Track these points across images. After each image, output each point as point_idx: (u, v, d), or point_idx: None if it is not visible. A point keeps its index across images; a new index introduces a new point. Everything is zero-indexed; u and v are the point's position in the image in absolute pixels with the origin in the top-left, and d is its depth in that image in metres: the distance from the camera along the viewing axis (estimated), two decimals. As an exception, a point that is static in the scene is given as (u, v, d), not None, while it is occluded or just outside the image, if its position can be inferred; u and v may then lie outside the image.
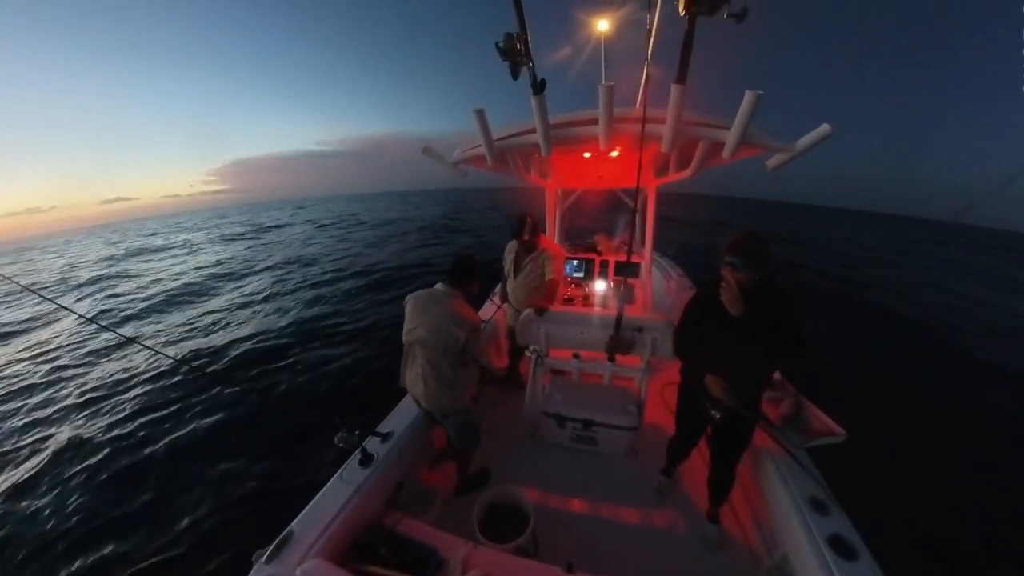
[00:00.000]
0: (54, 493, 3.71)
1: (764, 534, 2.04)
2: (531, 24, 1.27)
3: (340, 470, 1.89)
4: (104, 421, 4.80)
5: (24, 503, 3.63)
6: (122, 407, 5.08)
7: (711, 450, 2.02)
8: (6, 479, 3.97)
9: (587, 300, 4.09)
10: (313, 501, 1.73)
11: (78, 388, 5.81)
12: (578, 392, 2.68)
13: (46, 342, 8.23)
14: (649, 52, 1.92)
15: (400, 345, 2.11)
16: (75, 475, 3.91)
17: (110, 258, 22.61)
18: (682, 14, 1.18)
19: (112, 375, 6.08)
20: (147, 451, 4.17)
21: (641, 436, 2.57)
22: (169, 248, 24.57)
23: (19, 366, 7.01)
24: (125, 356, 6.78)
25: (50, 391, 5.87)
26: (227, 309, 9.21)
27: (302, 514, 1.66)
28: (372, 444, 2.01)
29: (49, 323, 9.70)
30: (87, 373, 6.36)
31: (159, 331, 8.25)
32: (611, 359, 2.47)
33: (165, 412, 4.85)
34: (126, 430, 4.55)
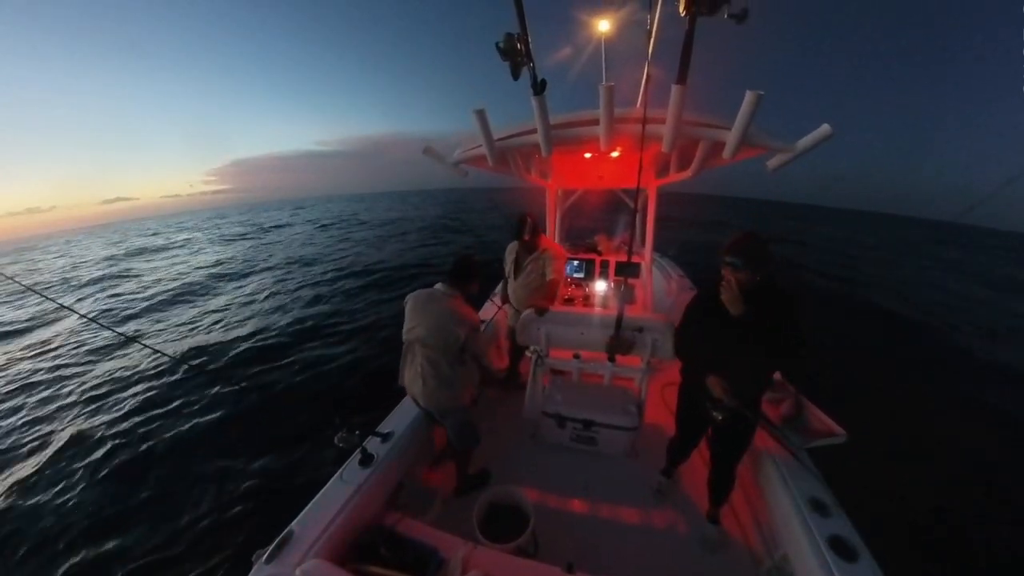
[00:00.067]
0: (55, 490, 3.72)
1: (764, 535, 2.03)
2: (531, 24, 1.27)
3: (340, 470, 1.89)
4: (105, 419, 4.82)
5: (26, 500, 3.64)
6: (123, 405, 5.09)
7: (711, 450, 2.01)
8: (8, 476, 3.98)
9: (587, 300, 4.08)
10: (313, 501, 1.73)
11: (79, 386, 5.83)
12: (578, 392, 2.67)
13: (48, 341, 8.25)
14: (649, 52, 1.91)
15: (400, 344, 2.12)
16: (76, 472, 3.92)
17: (111, 258, 22.64)
18: (682, 14, 1.18)
19: (113, 374, 6.10)
20: (147, 449, 4.19)
21: (641, 436, 2.57)
22: (170, 248, 24.60)
23: (21, 365, 7.03)
24: (126, 355, 6.80)
25: (52, 389, 5.89)
26: (227, 308, 9.23)
27: (302, 514, 1.66)
28: (372, 444, 2.01)
29: (51, 323, 9.72)
30: (88, 372, 6.38)
31: (160, 330, 8.27)
32: (611, 359, 2.46)
33: (166, 410, 4.86)
34: (127, 428, 4.57)
